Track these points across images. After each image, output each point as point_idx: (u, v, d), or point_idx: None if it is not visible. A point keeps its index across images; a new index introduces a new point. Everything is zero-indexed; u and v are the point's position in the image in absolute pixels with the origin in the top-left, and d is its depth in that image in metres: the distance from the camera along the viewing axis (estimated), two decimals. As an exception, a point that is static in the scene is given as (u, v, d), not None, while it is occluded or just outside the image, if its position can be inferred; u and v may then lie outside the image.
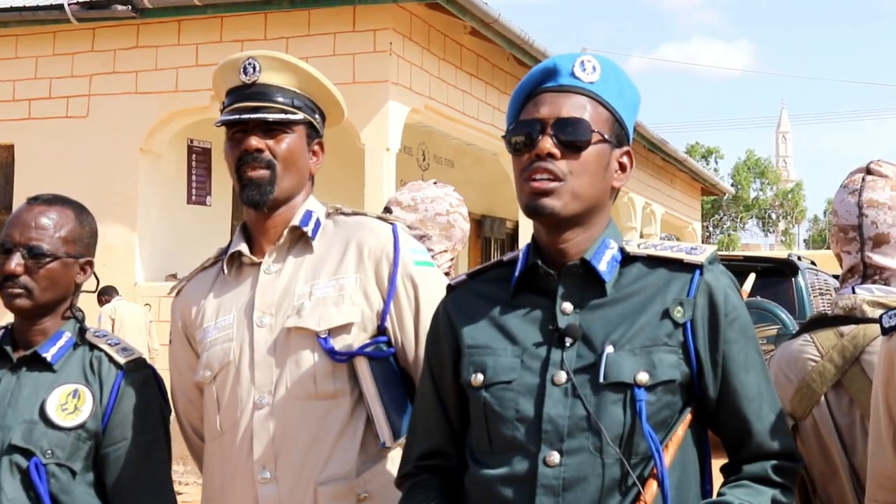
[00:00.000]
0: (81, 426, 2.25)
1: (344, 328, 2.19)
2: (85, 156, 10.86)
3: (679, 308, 1.80)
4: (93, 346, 2.35)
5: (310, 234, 2.27)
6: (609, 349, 1.76)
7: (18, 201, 2.36)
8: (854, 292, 2.15)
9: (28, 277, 2.26)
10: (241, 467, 2.18)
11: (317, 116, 2.32)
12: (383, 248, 2.24)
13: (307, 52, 9.66)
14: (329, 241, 2.28)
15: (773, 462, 1.80)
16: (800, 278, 11.25)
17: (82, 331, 2.37)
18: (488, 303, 1.91)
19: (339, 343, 2.18)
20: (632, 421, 1.73)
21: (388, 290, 2.23)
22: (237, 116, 2.23)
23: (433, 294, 2.23)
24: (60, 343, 2.33)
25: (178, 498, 2.40)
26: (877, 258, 2.15)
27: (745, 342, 1.83)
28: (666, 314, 1.80)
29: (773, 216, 58.27)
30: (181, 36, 10.80)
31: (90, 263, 2.40)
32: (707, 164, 52.54)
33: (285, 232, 2.27)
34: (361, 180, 10.25)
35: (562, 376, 1.76)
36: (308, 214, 2.29)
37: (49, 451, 2.21)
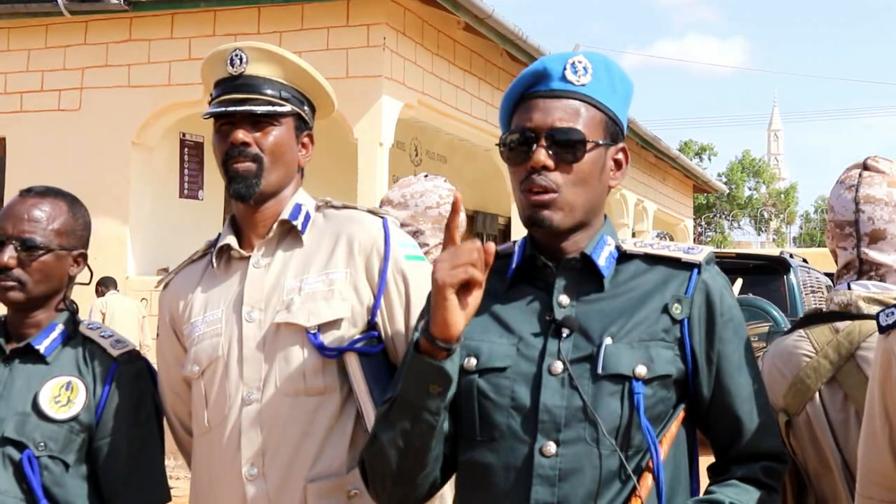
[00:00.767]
0: (74, 418, 2.24)
1: (334, 323, 2.16)
2: (77, 149, 10.83)
3: (677, 305, 1.81)
4: (86, 339, 2.34)
5: (299, 227, 2.25)
6: (608, 341, 1.77)
7: (10, 194, 2.36)
8: (850, 288, 2.14)
9: (21, 270, 2.25)
10: (229, 464, 2.15)
11: (305, 108, 2.30)
12: (373, 242, 2.22)
13: (300, 46, 9.64)
14: (319, 235, 2.26)
15: (763, 463, 1.82)
16: (792, 276, 11.26)
17: (76, 323, 2.36)
18: (484, 294, 1.90)
19: (328, 338, 2.16)
20: (629, 413, 1.74)
21: (378, 285, 2.21)
22: (223, 109, 2.21)
23: (424, 289, 2.21)
24: (53, 335, 2.32)
25: (172, 492, 2.39)
26: (873, 254, 2.15)
27: (739, 343, 1.85)
28: (664, 310, 1.81)
29: (766, 215, 58.40)
30: (174, 29, 10.78)
31: (84, 255, 2.39)
32: (700, 161, 52.60)
33: (274, 226, 2.25)
34: (354, 175, 10.24)
35: (558, 366, 1.76)
36: (297, 208, 2.27)
37: (42, 444, 2.20)
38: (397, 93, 10.48)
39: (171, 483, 2.41)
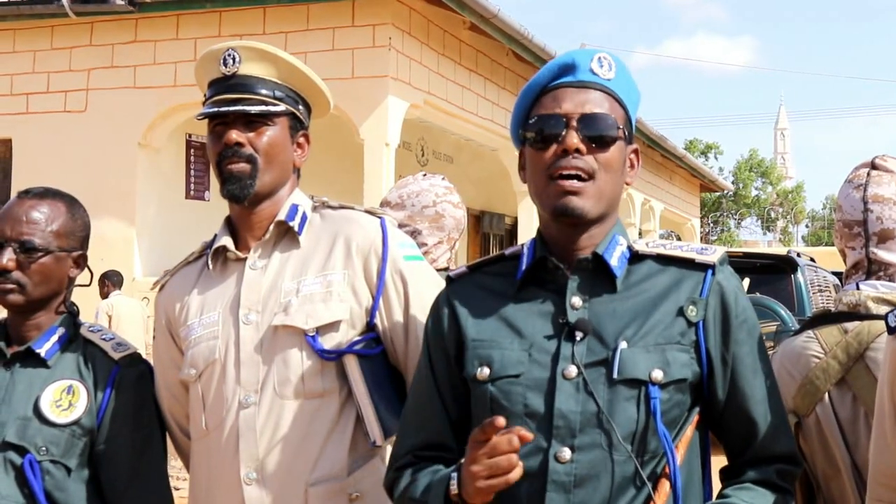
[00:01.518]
0: (76, 423, 2.23)
1: (332, 326, 2.15)
2: (83, 150, 10.85)
3: (692, 307, 1.79)
4: (87, 342, 2.33)
5: (296, 228, 2.23)
6: (623, 345, 1.75)
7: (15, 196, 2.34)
8: (858, 288, 2.13)
9: (20, 272, 2.24)
10: (228, 467, 2.14)
11: (300, 108, 2.28)
12: (371, 242, 2.20)
13: (306, 46, 9.66)
14: (316, 236, 2.24)
15: (777, 466, 1.80)
16: (799, 275, 11.25)
17: (76, 326, 2.35)
18: (492, 296, 1.89)
19: (327, 341, 2.14)
20: (645, 418, 1.72)
21: (376, 286, 2.19)
22: (216, 109, 2.19)
23: (423, 289, 2.20)
24: (54, 339, 2.30)
25: (175, 494, 2.38)
26: (881, 254, 2.13)
27: (753, 344, 1.83)
28: (680, 313, 1.79)
29: (773, 215, 58.38)
30: (179, 30, 10.79)
31: (83, 257, 2.37)
32: (706, 160, 52.56)
33: (271, 227, 2.23)
34: (360, 176, 10.24)
35: (572, 370, 1.74)
36: (294, 208, 2.25)
37: (44, 448, 2.19)
38: (403, 93, 10.47)
39: (175, 484, 2.41)
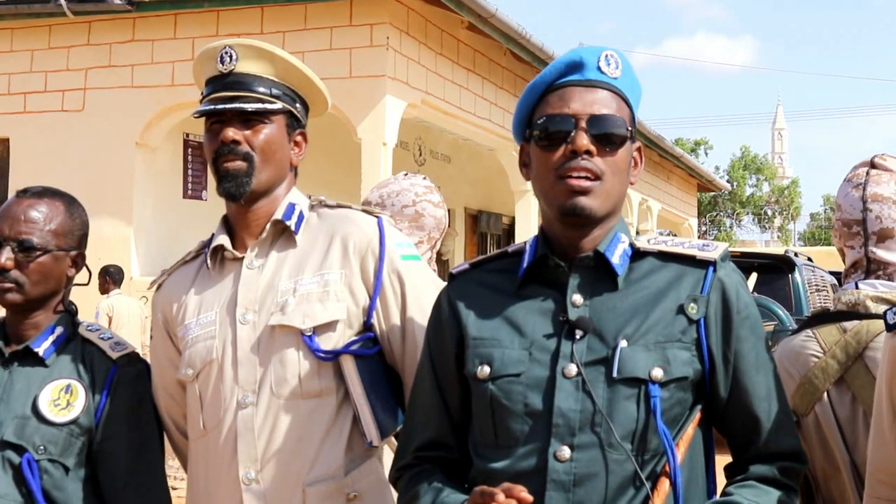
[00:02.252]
0: (74, 422, 2.23)
1: (329, 326, 2.14)
2: (80, 150, 10.83)
3: (693, 304, 1.79)
4: (85, 341, 2.33)
5: (293, 227, 2.22)
6: (623, 343, 1.74)
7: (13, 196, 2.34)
8: (857, 288, 2.13)
9: (18, 272, 2.23)
10: (226, 468, 2.13)
11: (298, 106, 2.27)
12: (369, 242, 2.19)
13: (303, 46, 9.65)
14: (313, 235, 2.23)
15: (781, 463, 1.79)
16: (797, 275, 11.25)
17: (75, 325, 2.35)
18: (493, 293, 1.89)
19: (324, 341, 2.13)
20: (645, 417, 1.72)
21: (374, 286, 2.18)
22: (213, 107, 2.18)
23: (420, 289, 2.19)
24: (52, 338, 2.30)
25: (172, 493, 2.37)
26: (880, 253, 2.13)
27: (756, 341, 1.83)
28: (680, 310, 1.78)
29: (769, 213, 58.37)
30: (177, 30, 10.77)
31: (82, 256, 2.37)
32: (696, 156, 52.44)
33: (267, 226, 2.22)
34: (358, 175, 10.23)
35: (572, 369, 1.74)
36: (291, 207, 2.24)
37: (41, 447, 2.19)
38: (401, 92, 10.46)
39: (173, 484, 2.40)
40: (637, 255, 1.85)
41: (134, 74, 10.89)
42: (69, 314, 2.36)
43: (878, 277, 2.13)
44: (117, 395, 2.28)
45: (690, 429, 1.77)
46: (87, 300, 5.25)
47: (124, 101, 10.81)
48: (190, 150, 11.69)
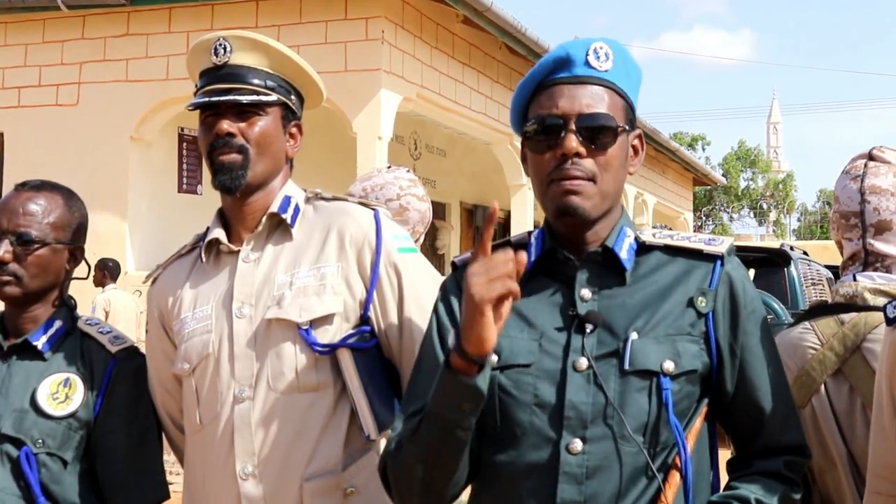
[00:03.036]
0: (72, 415, 2.23)
1: (326, 319, 2.13)
2: (75, 144, 10.81)
3: (702, 298, 1.79)
4: (84, 335, 2.32)
5: (289, 220, 2.21)
6: (633, 336, 1.74)
7: (8, 190, 2.33)
8: (855, 280, 2.13)
9: (17, 265, 2.23)
10: (223, 462, 2.12)
11: (293, 98, 2.25)
12: (365, 234, 2.17)
13: (299, 40, 9.63)
14: (309, 228, 2.22)
15: (785, 457, 1.80)
16: (792, 268, 11.28)
17: (73, 319, 2.35)
18: None
19: (321, 334, 2.12)
20: (657, 410, 1.72)
21: (370, 279, 2.17)
22: (207, 99, 2.16)
23: (417, 281, 2.18)
24: (51, 331, 2.30)
25: (170, 488, 2.37)
26: (878, 245, 2.13)
27: (762, 335, 1.83)
28: (689, 303, 1.79)
29: (765, 206, 58.40)
30: (172, 24, 10.74)
31: (80, 250, 2.37)
32: (694, 151, 52.43)
33: (263, 219, 2.21)
34: (353, 169, 10.21)
35: (583, 362, 1.74)
36: (287, 200, 2.23)
37: (40, 441, 2.19)
38: (396, 86, 10.45)
39: (171, 479, 2.40)
40: (642, 249, 1.85)
41: (128, 68, 10.86)
42: (68, 308, 2.36)
43: (875, 269, 2.13)
44: (116, 389, 2.27)
45: (698, 422, 1.78)
46: (83, 294, 5.24)
47: (119, 95, 10.79)
48: (185, 144, 11.67)
